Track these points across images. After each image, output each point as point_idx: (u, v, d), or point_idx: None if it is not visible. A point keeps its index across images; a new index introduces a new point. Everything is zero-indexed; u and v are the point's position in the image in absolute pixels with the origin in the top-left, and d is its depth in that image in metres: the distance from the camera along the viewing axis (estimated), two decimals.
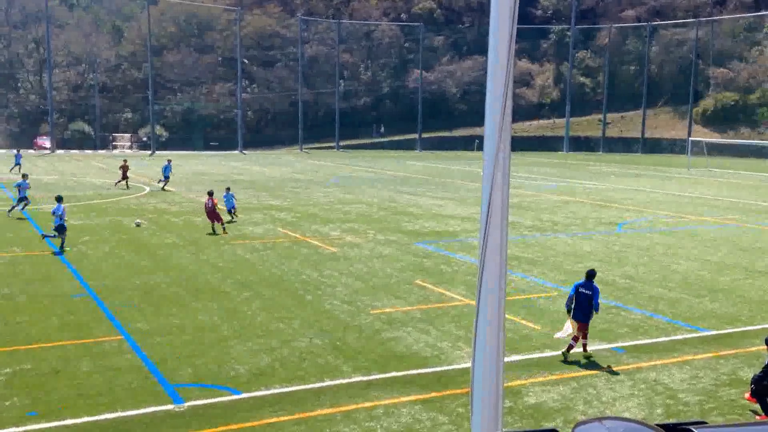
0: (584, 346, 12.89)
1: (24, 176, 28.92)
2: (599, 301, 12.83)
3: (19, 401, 10.45)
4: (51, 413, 10.08)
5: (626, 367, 12.53)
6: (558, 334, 12.95)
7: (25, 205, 27.80)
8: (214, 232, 24.73)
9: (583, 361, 12.73)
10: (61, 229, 21.35)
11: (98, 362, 12.09)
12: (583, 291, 12.75)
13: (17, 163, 46.73)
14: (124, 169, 38.70)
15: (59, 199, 21.90)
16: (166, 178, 38.48)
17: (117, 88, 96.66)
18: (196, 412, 10.24)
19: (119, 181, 38.81)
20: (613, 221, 29.77)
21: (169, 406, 10.42)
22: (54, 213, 21.46)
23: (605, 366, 12.51)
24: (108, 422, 9.87)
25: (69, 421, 9.85)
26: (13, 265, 19.38)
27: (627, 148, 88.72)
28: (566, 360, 12.64)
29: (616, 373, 12.18)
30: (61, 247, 21.40)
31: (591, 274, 12.94)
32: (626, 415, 10.30)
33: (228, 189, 28.27)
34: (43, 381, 11.23)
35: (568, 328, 12.72)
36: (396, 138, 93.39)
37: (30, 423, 9.77)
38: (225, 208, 27.28)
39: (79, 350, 12.67)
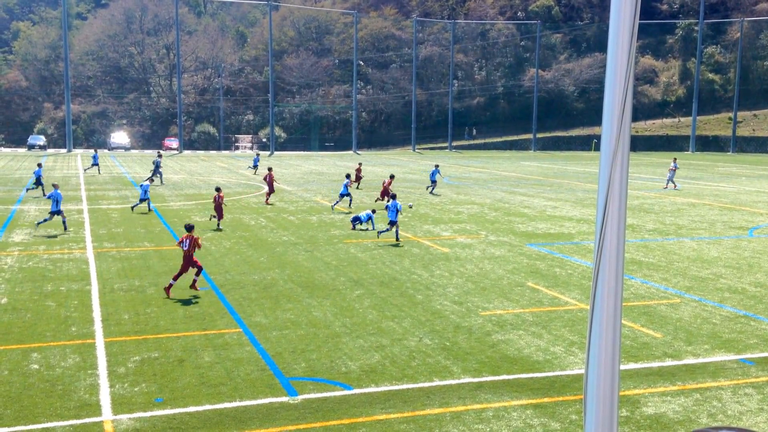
0: None
1: (348, 176, 32.53)
2: None
3: (147, 387, 11.12)
4: (176, 400, 10.66)
5: (755, 380, 11.76)
6: None
7: (350, 202, 31.65)
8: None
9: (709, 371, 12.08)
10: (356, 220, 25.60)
11: (219, 353, 12.67)
12: None
13: (255, 165, 51.27)
14: (358, 171, 42.36)
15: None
16: (433, 182, 39.58)
17: (240, 91, 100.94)
18: (310, 406, 10.52)
19: (352, 182, 41.55)
20: (743, 226, 28.02)
21: (284, 398, 10.76)
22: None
23: (732, 378, 11.81)
24: (228, 411, 10.32)
25: (192, 408, 10.38)
26: (143, 258, 20.65)
27: (760, 148, 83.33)
28: None
29: (743, 386, 11.46)
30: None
31: None
32: (756, 430, 9.68)
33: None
34: (169, 369, 11.89)
35: None
36: (510, 138, 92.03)
37: (157, 409, 10.37)
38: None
39: (202, 341, 13.34)
